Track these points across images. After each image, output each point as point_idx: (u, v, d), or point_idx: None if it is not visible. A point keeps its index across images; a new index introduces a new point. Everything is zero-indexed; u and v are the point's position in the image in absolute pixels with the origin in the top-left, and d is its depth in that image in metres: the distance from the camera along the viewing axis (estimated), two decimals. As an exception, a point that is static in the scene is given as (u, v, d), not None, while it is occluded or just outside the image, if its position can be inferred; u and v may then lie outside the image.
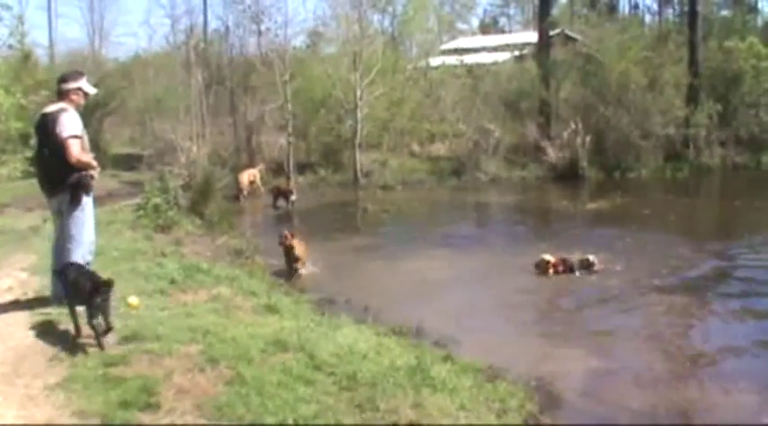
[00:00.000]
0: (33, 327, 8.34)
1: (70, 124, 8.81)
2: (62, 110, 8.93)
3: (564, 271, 13.75)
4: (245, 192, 24.53)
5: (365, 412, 6.32)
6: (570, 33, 36.87)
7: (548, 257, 13.98)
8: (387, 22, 39.51)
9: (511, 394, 7.53)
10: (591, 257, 14.02)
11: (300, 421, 5.95)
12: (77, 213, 9.05)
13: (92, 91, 9.48)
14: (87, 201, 9.14)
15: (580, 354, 9.68)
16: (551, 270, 13.73)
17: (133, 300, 9.10)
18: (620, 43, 31.29)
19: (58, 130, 8.75)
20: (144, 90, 38.06)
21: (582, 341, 10.33)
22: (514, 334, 10.66)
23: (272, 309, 9.68)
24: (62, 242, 9.13)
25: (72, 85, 9.23)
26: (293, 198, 22.72)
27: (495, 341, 10.18)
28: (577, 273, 13.70)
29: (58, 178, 8.92)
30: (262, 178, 26.20)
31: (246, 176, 25.04)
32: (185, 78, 32.37)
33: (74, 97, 9.18)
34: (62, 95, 9.18)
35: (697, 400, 8.38)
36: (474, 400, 7.06)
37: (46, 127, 8.91)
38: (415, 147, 33.55)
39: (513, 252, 16.13)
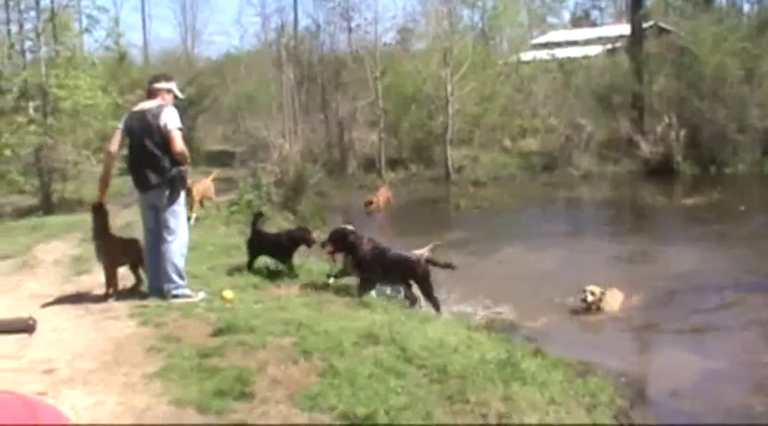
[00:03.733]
0: (131, 318, 8.55)
1: (174, 118, 9.18)
2: (162, 105, 9.28)
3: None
4: (194, 214, 16.79)
5: (455, 404, 6.31)
6: (664, 25, 36.16)
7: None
8: (477, 17, 39.38)
9: (601, 390, 7.45)
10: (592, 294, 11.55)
11: (391, 412, 5.98)
12: (176, 207, 9.40)
13: (180, 95, 9.89)
14: (182, 196, 9.49)
15: (673, 350, 9.56)
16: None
17: (228, 294, 9.26)
18: (715, 34, 30.45)
19: (162, 123, 9.09)
20: (236, 88, 38.57)
21: (675, 337, 10.20)
22: (605, 330, 10.58)
23: (363, 303, 9.73)
24: (161, 235, 9.38)
25: (164, 86, 9.62)
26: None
27: (586, 335, 10.13)
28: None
29: (159, 171, 9.23)
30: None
31: (196, 191, 17.22)
32: (277, 76, 32.68)
33: (166, 97, 9.51)
34: (154, 94, 9.53)
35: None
36: (564, 394, 7.01)
37: (146, 121, 9.21)
38: (507, 143, 33.35)
39: (606, 248, 16.00)
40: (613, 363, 8.85)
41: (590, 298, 10.72)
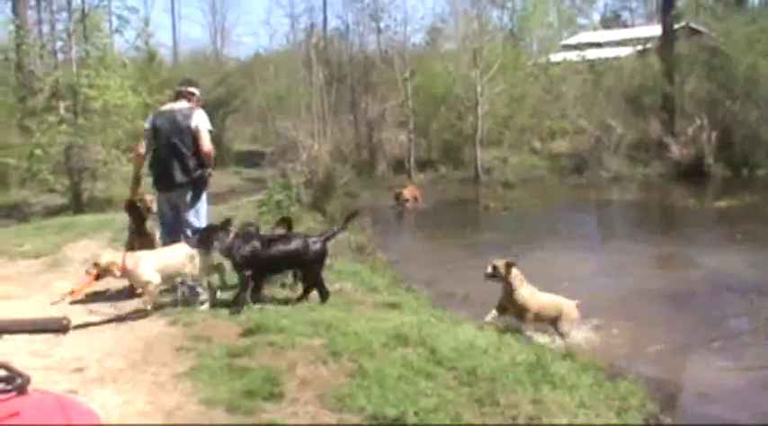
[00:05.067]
0: (161, 318, 8.58)
1: (205, 119, 9.55)
2: (193, 107, 9.64)
3: None
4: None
5: (485, 407, 6.28)
6: (695, 26, 35.90)
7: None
8: (506, 18, 39.22)
9: (631, 393, 7.37)
10: None
11: (421, 414, 5.96)
12: (199, 206, 9.73)
13: (199, 100, 10.16)
14: (204, 196, 9.81)
15: (705, 354, 9.46)
16: None
17: None
18: (748, 35, 30.13)
19: (194, 124, 9.43)
20: (265, 88, 38.65)
21: (707, 341, 10.09)
22: (636, 332, 10.48)
23: (393, 304, 9.72)
24: (181, 234, 9.64)
25: (194, 90, 9.99)
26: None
27: (616, 338, 10.04)
28: None
29: (185, 171, 9.51)
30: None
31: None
32: (306, 76, 32.76)
33: (195, 100, 9.88)
34: (183, 96, 9.86)
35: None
36: (594, 398, 6.95)
37: (176, 121, 9.51)
38: (536, 144, 33.22)
39: (636, 250, 15.88)
40: (644, 367, 8.78)
41: (489, 271, 10.56)
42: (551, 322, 9.85)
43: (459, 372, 6.92)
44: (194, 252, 9.07)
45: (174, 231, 9.78)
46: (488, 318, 10.00)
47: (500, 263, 10.20)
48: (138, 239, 10.35)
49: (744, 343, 10.11)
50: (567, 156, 31.07)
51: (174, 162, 9.53)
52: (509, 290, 9.99)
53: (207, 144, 9.43)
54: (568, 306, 9.95)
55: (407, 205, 22.71)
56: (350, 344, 7.32)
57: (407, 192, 23.26)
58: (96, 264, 8.74)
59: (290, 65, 37.85)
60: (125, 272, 8.82)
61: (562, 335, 9.68)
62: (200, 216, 9.77)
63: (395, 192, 23.23)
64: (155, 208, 10.39)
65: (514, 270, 10.03)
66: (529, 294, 9.94)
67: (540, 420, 6.18)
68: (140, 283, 8.96)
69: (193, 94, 9.99)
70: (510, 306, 10.01)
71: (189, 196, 9.65)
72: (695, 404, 7.99)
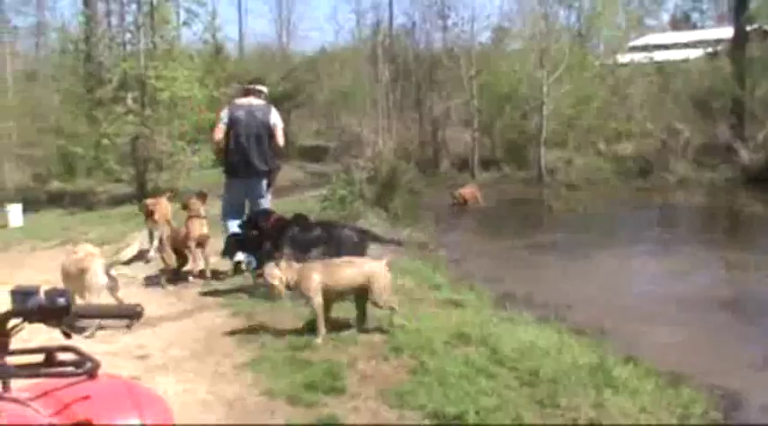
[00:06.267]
0: (223, 308, 8.65)
1: (279, 117, 10.47)
2: (269, 105, 10.51)
3: None
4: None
5: (545, 408, 6.23)
6: (768, 28, 35.31)
7: None
8: (573, 18, 38.86)
9: (694, 401, 7.25)
10: None
11: (481, 413, 5.93)
12: (269, 195, 10.61)
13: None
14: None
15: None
16: None
17: None
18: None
19: (272, 121, 10.31)
20: (330, 84, 38.77)
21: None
22: (701, 339, 10.32)
23: (455, 303, 9.69)
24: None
25: (263, 88, 10.81)
26: None
27: (680, 344, 9.89)
28: None
29: (265, 161, 10.35)
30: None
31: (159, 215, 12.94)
32: (371, 73, 32.81)
33: (263, 98, 10.68)
34: (253, 94, 10.64)
35: None
36: (655, 404, 6.85)
37: (256, 116, 10.38)
38: (601, 146, 32.85)
39: (702, 255, 15.66)
40: (709, 375, 8.61)
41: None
42: None
43: (521, 372, 6.87)
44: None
45: (240, 216, 10.39)
46: None
47: None
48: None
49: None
50: (633, 159, 30.66)
51: (255, 152, 10.31)
52: None
53: (282, 139, 10.30)
54: None
55: (469, 204, 22.62)
56: (411, 341, 7.32)
57: (466, 192, 23.18)
58: None
59: (356, 61, 37.90)
60: None
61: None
62: (267, 203, 10.54)
63: (451, 193, 23.14)
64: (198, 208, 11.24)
65: None
66: None
67: (600, 423, 6.12)
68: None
69: (262, 92, 10.71)
70: None
71: (264, 183, 10.50)
72: (765, 417, 7.83)
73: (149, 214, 12.52)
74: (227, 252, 10.11)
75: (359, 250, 9.10)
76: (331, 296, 7.58)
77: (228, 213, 10.77)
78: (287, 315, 8.34)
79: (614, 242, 17.33)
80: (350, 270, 7.62)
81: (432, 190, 25.23)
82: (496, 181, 28.47)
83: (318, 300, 7.39)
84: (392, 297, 7.82)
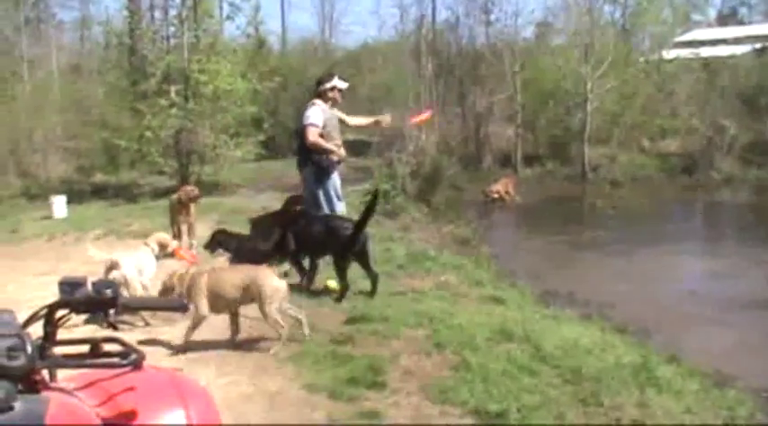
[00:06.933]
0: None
1: (310, 115, 10.21)
2: (311, 104, 10.39)
3: None
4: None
5: (588, 407, 6.18)
6: (819, 24, 34.82)
7: None
8: (618, 14, 38.50)
9: (740, 403, 7.16)
10: None
11: (523, 411, 5.89)
12: (317, 189, 10.30)
13: (342, 85, 10.69)
14: (327, 181, 10.32)
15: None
16: None
17: (331, 283, 9.36)
18: None
19: (303, 119, 10.26)
20: (373, 78, 38.77)
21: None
22: (746, 340, 10.21)
23: (497, 299, 9.66)
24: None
25: (326, 85, 10.59)
26: None
27: (725, 345, 9.79)
28: None
29: (302, 157, 10.40)
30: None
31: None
32: (414, 67, 32.77)
33: (330, 95, 10.53)
34: (318, 95, 10.55)
35: None
36: (700, 404, 6.77)
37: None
38: (646, 143, 32.58)
39: (746, 255, 15.50)
40: (756, 377, 8.50)
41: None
42: None
43: (563, 370, 6.83)
44: None
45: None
46: None
47: None
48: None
49: None
50: (678, 156, 30.40)
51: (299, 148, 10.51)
52: None
53: (308, 138, 10.07)
54: None
55: (506, 199, 22.49)
56: (454, 337, 7.30)
57: (497, 188, 23.03)
58: None
59: (398, 55, 37.87)
60: None
61: None
62: (317, 198, 10.36)
63: (482, 191, 23.01)
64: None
65: None
66: None
67: (644, 423, 6.06)
68: None
69: (330, 89, 10.65)
70: None
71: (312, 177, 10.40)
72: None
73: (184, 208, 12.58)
74: (210, 245, 10.23)
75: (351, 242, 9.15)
76: (219, 303, 7.20)
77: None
78: (329, 310, 8.36)
79: (658, 240, 17.19)
80: (235, 277, 7.22)
81: (474, 186, 25.11)
82: (539, 178, 28.36)
83: (202, 308, 7.10)
84: (284, 306, 7.25)
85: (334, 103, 10.59)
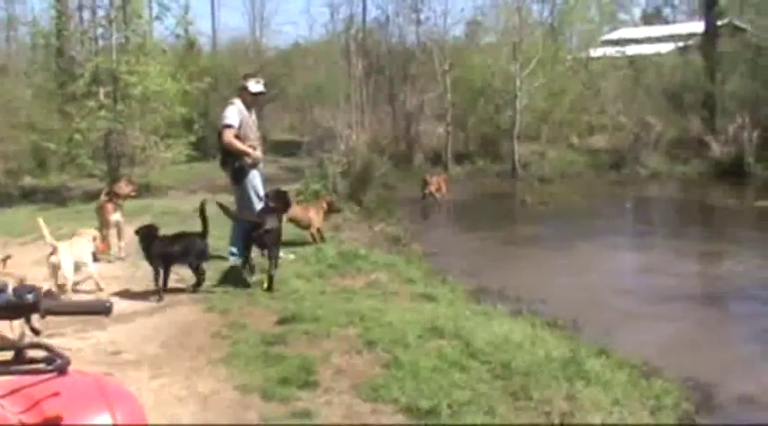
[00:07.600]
0: (197, 304, 8.63)
1: (228, 115, 10.61)
2: (230, 102, 10.77)
3: None
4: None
5: (518, 401, 6.27)
6: (739, 23, 35.44)
7: None
8: (546, 12, 38.90)
9: (666, 392, 7.28)
10: None
11: (454, 406, 5.95)
12: (238, 190, 10.77)
13: (255, 89, 10.96)
14: (246, 181, 10.65)
15: (750, 356, 9.34)
16: None
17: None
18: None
19: (221, 119, 10.75)
20: (303, 78, 38.71)
21: (747, 338, 9.99)
22: (674, 331, 10.38)
23: (428, 296, 9.71)
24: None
25: (241, 84, 11.04)
26: None
27: (653, 337, 9.94)
28: None
29: (222, 158, 10.84)
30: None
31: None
32: (345, 67, 32.78)
33: (242, 94, 10.87)
34: (239, 93, 10.97)
35: None
36: (628, 395, 6.89)
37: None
38: (574, 139, 32.96)
39: (675, 248, 15.75)
40: (681, 367, 8.63)
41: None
42: None
43: (494, 366, 6.90)
44: None
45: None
46: None
47: None
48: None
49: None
50: (606, 152, 30.78)
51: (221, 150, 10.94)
52: None
53: (223, 139, 10.53)
54: None
55: (437, 195, 22.52)
56: (385, 335, 7.35)
57: (434, 180, 23.04)
58: None
59: (329, 55, 37.86)
60: None
61: None
62: (241, 198, 10.79)
63: (422, 178, 23.01)
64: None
65: None
66: None
67: (573, 416, 6.15)
68: None
69: (242, 89, 10.99)
70: None
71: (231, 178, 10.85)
72: (737, 408, 7.84)
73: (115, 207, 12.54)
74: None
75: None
76: None
77: None
78: (261, 311, 8.36)
79: (589, 235, 17.36)
80: None
81: (405, 185, 25.16)
82: (470, 175, 28.48)
83: None
84: None
85: (248, 106, 10.81)
